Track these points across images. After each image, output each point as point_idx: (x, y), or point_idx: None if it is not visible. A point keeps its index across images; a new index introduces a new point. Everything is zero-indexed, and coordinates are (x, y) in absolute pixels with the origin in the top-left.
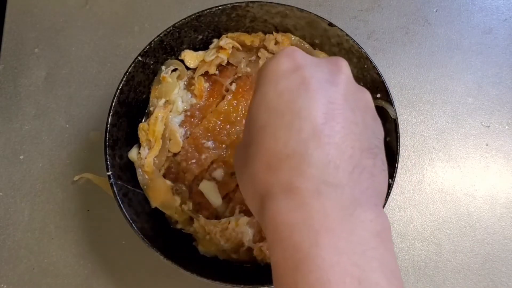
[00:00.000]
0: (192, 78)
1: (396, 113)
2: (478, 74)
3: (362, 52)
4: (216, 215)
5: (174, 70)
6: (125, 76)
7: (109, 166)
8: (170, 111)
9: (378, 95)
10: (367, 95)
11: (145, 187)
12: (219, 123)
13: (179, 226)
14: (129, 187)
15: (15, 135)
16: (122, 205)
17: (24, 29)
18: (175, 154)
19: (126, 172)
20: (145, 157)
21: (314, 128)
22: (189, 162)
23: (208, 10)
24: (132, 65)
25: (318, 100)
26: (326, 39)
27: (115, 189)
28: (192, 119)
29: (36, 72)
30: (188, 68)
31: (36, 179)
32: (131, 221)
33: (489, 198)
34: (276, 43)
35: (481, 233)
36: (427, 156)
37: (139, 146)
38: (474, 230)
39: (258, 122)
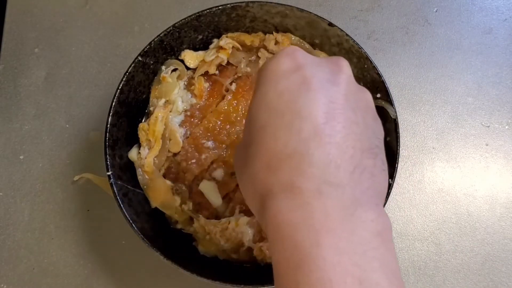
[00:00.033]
0: (192, 78)
1: (396, 113)
2: (478, 74)
3: (362, 52)
4: (216, 215)
5: (174, 70)
6: (125, 76)
7: (109, 166)
8: (170, 111)
9: (378, 95)
10: (367, 95)
11: (145, 187)
12: (219, 123)
13: (179, 226)
14: (129, 187)
15: (15, 135)
16: (122, 205)
17: (24, 29)
18: (175, 154)
19: (126, 172)
20: (145, 157)
21: (315, 127)
22: (189, 162)
23: (208, 10)
24: (132, 65)
25: (319, 99)
26: (326, 39)
27: (115, 189)
28: (192, 119)
29: (36, 72)
30: (188, 68)
31: (36, 179)
32: (131, 221)
33: (489, 198)
34: (276, 43)
35: (481, 233)
36: (427, 156)
37: (139, 146)
38: (474, 230)
39: (258, 122)
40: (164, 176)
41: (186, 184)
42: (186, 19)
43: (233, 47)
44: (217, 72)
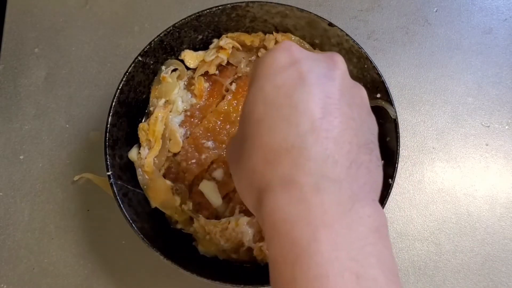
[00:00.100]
0: (192, 78)
1: (396, 113)
2: (478, 74)
3: (362, 52)
4: (216, 215)
5: (174, 70)
6: (125, 76)
7: (109, 166)
8: (170, 111)
9: (378, 95)
10: (362, 91)
11: (145, 187)
12: (219, 123)
13: (179, 226)
14: (129, 187)
15: (15, 135)
16: (122, 205)
17: (24, 29)
18: (175, 154)
19: (126, 172)
20: (145, 157)
21: (312, 122)
22: (189, 162)
23: (208, 10)
24: (132, 65)
25: (316, 94)
26: (326, 39)
27: (115, 189)
28: (192, 119)
29: (36, 72)
30: (188, 68)
31: (36, 179)
32: (131, 221)
33: (489, 198)
34: (276, 43)
35: (481, 233)
36: (427, 156)
37: (139, 146)
38: (474, 230)
39: (255, 115)
40: (164, 176)
41: (186, 184)
42: (186, 19)
43: (233, 47)
44: (217, 72)
